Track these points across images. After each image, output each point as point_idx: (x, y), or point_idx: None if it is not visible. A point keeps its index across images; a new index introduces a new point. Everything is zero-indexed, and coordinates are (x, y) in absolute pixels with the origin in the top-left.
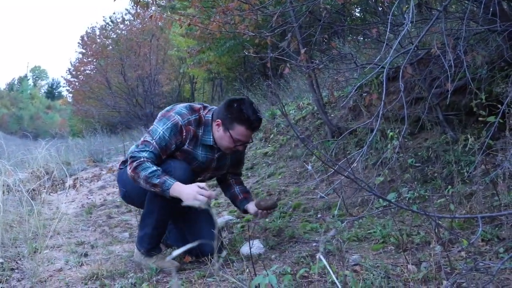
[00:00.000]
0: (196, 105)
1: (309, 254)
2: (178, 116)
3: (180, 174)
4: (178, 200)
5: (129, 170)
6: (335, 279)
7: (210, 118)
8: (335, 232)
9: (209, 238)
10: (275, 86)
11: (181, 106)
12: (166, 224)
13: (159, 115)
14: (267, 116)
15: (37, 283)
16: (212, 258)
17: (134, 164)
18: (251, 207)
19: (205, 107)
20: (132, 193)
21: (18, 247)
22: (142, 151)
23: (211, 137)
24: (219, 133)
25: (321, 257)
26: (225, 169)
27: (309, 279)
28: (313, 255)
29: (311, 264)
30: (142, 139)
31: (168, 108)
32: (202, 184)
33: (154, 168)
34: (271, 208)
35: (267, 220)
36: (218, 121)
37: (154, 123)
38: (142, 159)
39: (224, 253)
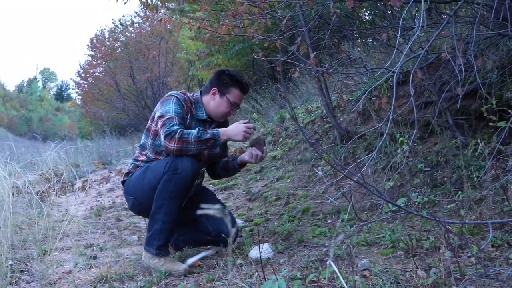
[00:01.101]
0: (182, 91)
1: (318, 258)
2: (176, 95)
3: (188, 164)
4: (185, 194)
5: (173, 145)
6: (344, 284)
7: (199, 96)
8: (344, 237)
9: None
10: (284, 90)
11: (171, 92)
12: (175, 220)
13: (157, 105)
14: (276, 119)
15: (46, 285)
16: (227, 245)
17: (177, 136)
18: (243, 156)
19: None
20: (141, 199)
21: (27, 249)
22: (173, 126)
23: (203, 111)
24: (215, 102)
25: (331, 262)
26: (218, 148)
27: (318, 283)
28: (322, 260)
29: (320, 269)
30: (160, 123)
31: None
32: (242, 121)
33: (195, 129)
34: (262, 142)
35: (275, 224)
36: (213, 89)
37: (160, 109)
38: (179, 130)
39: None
